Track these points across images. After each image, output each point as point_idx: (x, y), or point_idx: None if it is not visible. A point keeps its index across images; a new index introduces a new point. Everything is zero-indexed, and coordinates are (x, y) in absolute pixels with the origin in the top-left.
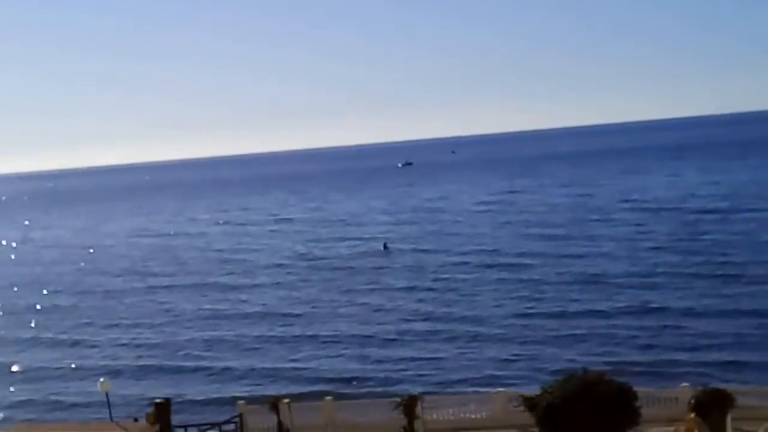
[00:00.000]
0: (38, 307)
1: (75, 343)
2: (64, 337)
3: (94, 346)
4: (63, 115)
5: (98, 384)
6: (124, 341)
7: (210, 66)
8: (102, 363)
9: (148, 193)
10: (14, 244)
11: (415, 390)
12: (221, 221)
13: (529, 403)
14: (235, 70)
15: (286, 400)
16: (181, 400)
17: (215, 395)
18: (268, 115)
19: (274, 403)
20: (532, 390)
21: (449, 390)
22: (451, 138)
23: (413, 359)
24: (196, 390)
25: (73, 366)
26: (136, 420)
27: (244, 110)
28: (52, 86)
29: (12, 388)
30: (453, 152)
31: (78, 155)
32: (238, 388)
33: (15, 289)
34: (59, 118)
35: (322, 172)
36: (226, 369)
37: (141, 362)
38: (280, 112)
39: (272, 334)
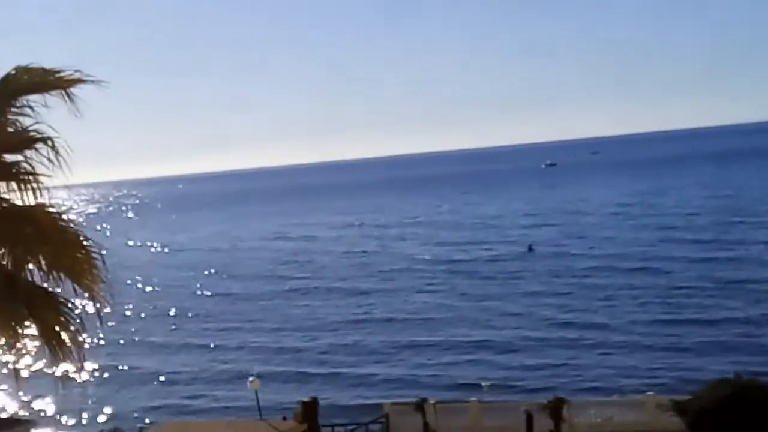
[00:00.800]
0: (182, 311)
1: (219, 347)
2: (209, 341)
3: (238, 350)
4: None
5: (248, 383)
6: (267, 345)
7: (340, 67)
8: (247, 366)
9: (280, 196)
10: (155, 248)
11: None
12: (356, 224)
13: (679, 407)
14: (369, 71)
15: (432, 401)
16: (324, 403)
17: (358, 398)
18: (403, 118)
19: (419, 404)
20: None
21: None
22: (594, 138)
23: (554, 365)
24: (338, 393)
25: (219, 368)
26: (284, 419)
27: (377, 112)
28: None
29: (160, 391)
30: (595, 153)
31: (205, 160)
32: (378, 392)
33: (159, 293)
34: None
35: (462, 174)
36: (367, 373)
37: (284, 366)
38: (418, 115)
39: (411, 339)
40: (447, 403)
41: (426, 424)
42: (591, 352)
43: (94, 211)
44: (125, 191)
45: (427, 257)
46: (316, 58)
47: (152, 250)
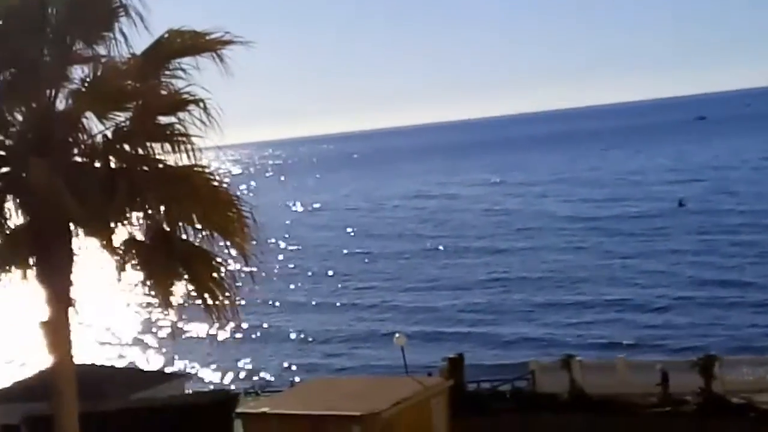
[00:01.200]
0: (323, 270)
1: (361, 306)
2: (350, 300)
3: (379, 309)
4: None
5: (394, 339)
6: (408, 304)
7: (489, 29)
8: (388, 325)
9: (423, 154)
10: (297, 208)
11: None
12: (496, 181)
13: None
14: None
15: (578, 358)
16: (467, 361)
17: (501, 356)
18: (550, 72)
19: (566, 361)
20: None
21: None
22: (748, 90)
23: (702, 324)
24: (481, 351)
25: (360, 327)
26: (430, 374)
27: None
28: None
29: (303, 349)
30: (748, 105)
31: (349, 119)
32: (520, 350)
33: (301, 252)
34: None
35: (607, 129)
36: (509, 332)
37: (425, 325)
38: (565, 69)
39: (554, 297)
40: (593, 361)
41: (573, 381)
42: (741, 310)
43: (240, 171)
44: (270, 151)
45: (568, 214)
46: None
47: (294, 209)
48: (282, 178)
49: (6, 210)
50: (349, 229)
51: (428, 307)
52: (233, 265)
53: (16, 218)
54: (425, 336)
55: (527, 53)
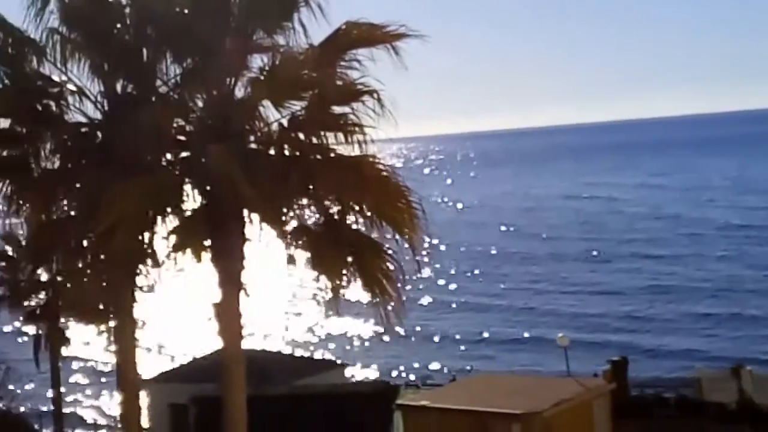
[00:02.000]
0: (476, 268)
1: (517, 308)
2: (506, 300)
3: (536, 311)
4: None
5: (557, 338)
6: (566, 308)
7: (664, 27)
8: (545, 327)
9: (580, 153)
10: (454, 204)
11: None
12: (660, 184)
13: None
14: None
15: (748, 368)
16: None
17: (664, 362)
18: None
19: (736, 370)
20: None
21: None
22: None
23: None
24: (643, 357)
25: (517, 328)
26: (595, 375)
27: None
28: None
29: (459, 347)
30: None
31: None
32: (685, 360)
33: (460, 250)
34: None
35: None
36: (674, 341)
37: (584, 329)
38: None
39: (719, 308)
40: (764, 373)
41: (741, 391)
42: None
43: (401, 165)
44: (432, 146)
45: (737, 222)
46: None
47: (449, 206)
48: (438, 173)
49: (184, 193)
50: (504, 228)
51: (586, 313)
52: (400, 257)
53: (193, 202)
54: (584, 342)
55: (704, 49)
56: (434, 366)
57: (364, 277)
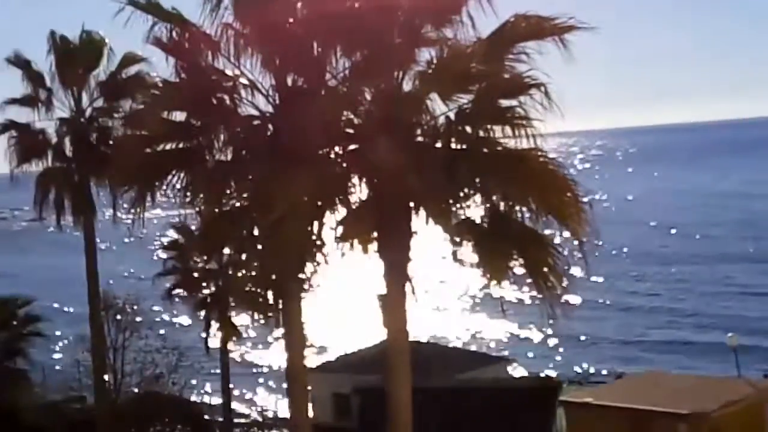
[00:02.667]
0: (641, 268)
1: (684, 310)
2: (672, 300)
3: (707, 315)
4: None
5: (726, 339)
6: (736, 309)
7: None
8: (713, 331)
9: (753, 150)
10: (613, 200)
11: None
12: None
13: None
14: None
15: None
16: None
17: None
18: None
19: None
20: None
21: None
22: None
23: None
24: None
25: (678, 330)
26: (765, 376)
27: None
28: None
29: (629, 346)
30: None
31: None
32: None
33: (617, 247)
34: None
35: None
36: None
37: (754, 331)
38: None
39: None
40: None
41: None
42: None
43: (570, 159)
44: (595, 141)
45: None
46: None
47: (605, 201)
48: (595, 168)
49: (351, 185)
50: (661, 225)
51: (750, 316)
52: (566, 251)
53: (360, 194)
54: (747, 346)
55: None
56: (596, 364)
57: (529, 272)
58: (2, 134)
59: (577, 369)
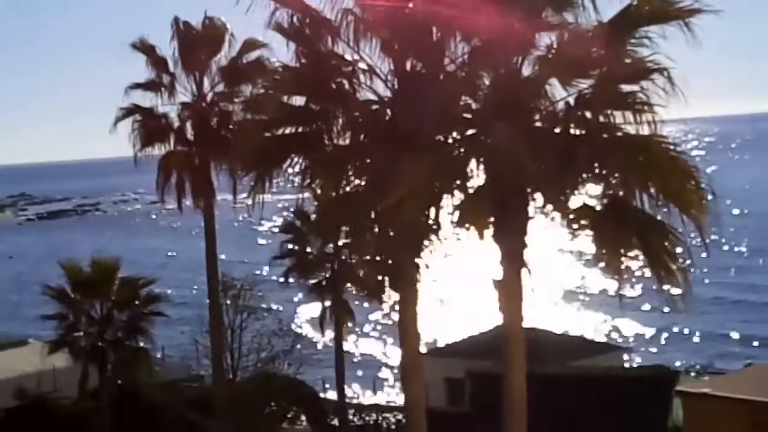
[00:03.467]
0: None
1: None
2: None
3: None
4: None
5: None
6: None
7: None
8: None
9: None
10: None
11: None
12: None
13: None
14: None
15: None
16: None
17: None
18: None
19: None
20: None
21: None
22: None
23: None
24: None
25: None
26: None
27: None
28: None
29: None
30: None
31: None
32: None
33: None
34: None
35: None
36: None
37: None
38: None
39: None
40: None
41: None
42: None
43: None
44: (711, 127)
45: None
46: None
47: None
48: (709, 156)
49: (469, 170)
50: None
51: None
52: (687, 239)
53: (477, 179)
54: None
55: None
56: (712, 358)
57: (649, 259)
58: (126, 118)
59: (696, 360)
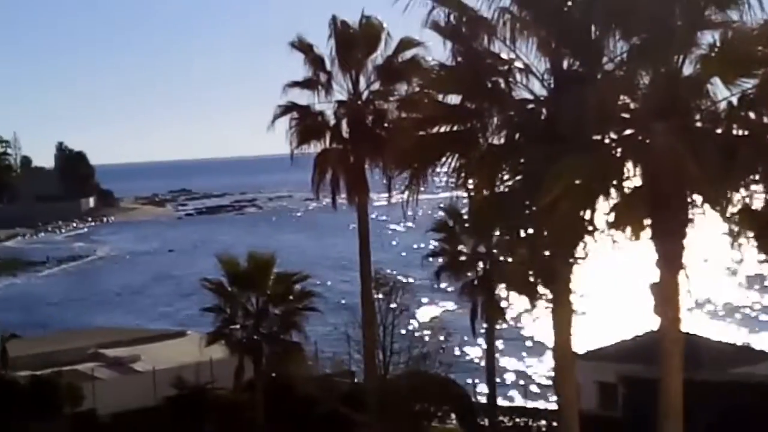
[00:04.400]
0: None
1: None
2: None
3: None
4: None
5: None
6: None
7: None
8: None
9: None
10: None
11: None
12: None
13: None
14: None
15: None
16: None
17: None
18: None
19: None
20: None
21: None
22: None
23: None
24: None
25: None
26: None
27: None
28: None
29: None
30: None
31: None
32: None
33: None
34: None
35: None
36: None
37: None
38: None
39: None
40: None
41: None
42: None
43: None
44: None
45: None
46: None
47: None
48: None
49: (626, 171)
50: None
51: None
52: None
53: (634, 179)
54: None
55: None
56: None
57: None
58: (284, 116)
59: None
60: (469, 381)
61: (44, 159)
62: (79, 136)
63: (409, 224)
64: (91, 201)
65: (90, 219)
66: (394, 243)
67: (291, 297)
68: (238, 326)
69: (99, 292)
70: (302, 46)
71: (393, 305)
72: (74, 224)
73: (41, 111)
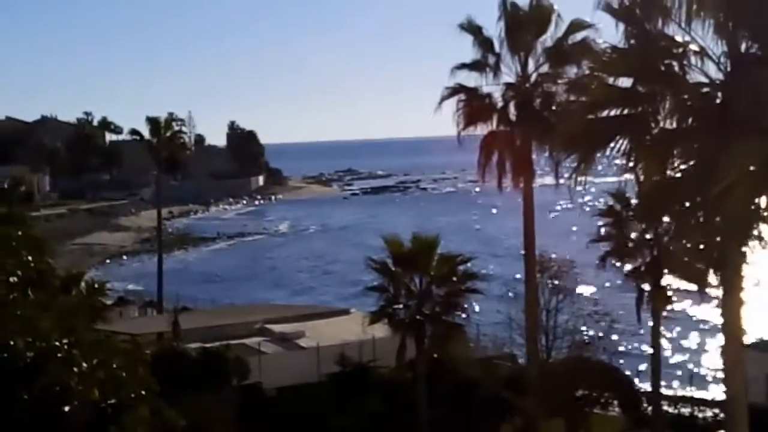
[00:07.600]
0: None
1: None
2: None
3: None
4: None
5: None
6: None
7: None
8: None
9: None
10: None
11: None
12: None
13: None
14: None
15: None
16: None
17: None
18: None
19: None
20: None
21: None
22: None
23: None
24: None
25: None
26: None
27: None
28: None
29: None
30: None
31: None
32: None
33: None
34: None
35: None
36: None
37: None
38: None
39: None
40: None
41: None
42: None
43: None
44: None
45: None
46: None
47: None
48: None
49: None
50: None
51: None
52: None
53: None
54: None
55: None
56: None
57: None
58: (451, 98)
59: None
60: (635, 368)
61: (217, 137)
62: (249, 115)
63: (575, 208)
64: (261, 179)
65: (259, 197)
66: (559, 226)
67: (454, 278)
68: (401, 306)
69: (267, 268)
70: (471, 28)
71: (557, 288)
72: (244, 201)
73: (214, 90)
